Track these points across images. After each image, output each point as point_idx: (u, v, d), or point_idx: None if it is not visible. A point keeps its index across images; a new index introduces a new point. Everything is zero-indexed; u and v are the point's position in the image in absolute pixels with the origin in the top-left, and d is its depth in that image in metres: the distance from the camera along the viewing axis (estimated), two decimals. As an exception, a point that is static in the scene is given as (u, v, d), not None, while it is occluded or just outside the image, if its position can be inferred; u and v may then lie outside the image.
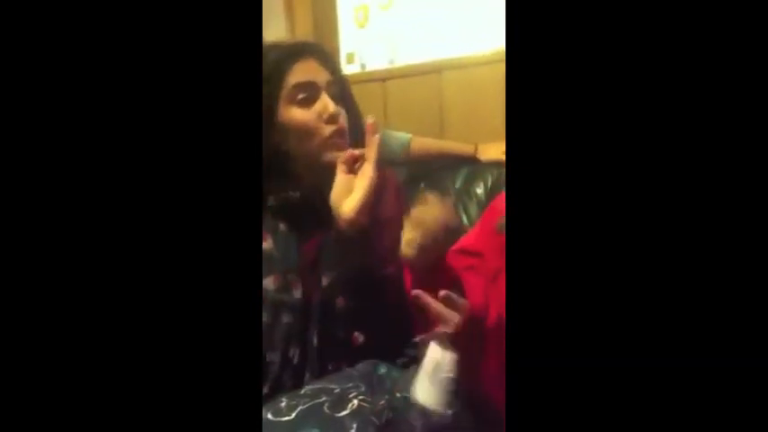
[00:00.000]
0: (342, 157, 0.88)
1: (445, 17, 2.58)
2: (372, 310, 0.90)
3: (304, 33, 2.10)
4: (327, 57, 1.00)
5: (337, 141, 0.94)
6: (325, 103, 0.94)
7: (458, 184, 1.44)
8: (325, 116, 0.94)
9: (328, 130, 0.94)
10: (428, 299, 0.77)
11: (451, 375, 0.75)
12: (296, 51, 0.96)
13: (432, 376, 0.75)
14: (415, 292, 0.77)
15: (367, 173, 0.86)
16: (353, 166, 0.88)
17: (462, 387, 0.76)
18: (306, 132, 0.94)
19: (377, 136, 0.86)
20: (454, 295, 0.77)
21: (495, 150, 1.51)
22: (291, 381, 0.92)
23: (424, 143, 1.60)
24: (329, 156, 0.94)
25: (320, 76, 0.96)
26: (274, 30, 2.06)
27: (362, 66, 2.60)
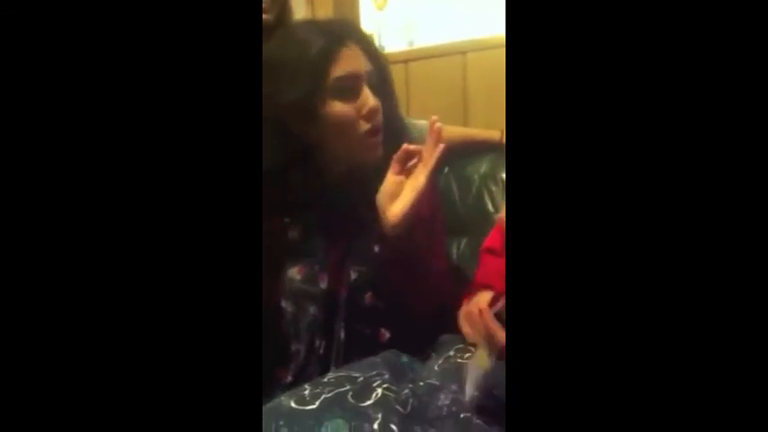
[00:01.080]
0: (397, 155, 0.85)
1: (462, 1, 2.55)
2: (400, 308, 0.89)
3: (324, 15, 2.07)
4: (368, 41, 0.95)
5: (371, 140, 0.91)
6: (366, 97, 0.90)
7: (483, 170, 1.41)
8: (364, 111, 0.90)
9: (365, 127, 0.90)
10: (489, 319, 0.76)
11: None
12: (336, 37, 0.90)
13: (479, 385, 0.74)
14: (483, 307, 0.76)
15: (420, 180, 0.83)
16: (406, 165, 0.85)
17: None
18: (344, 127, 0.90)
19: (441, 146, 0.81)
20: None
21: None
22: (317, 371, 0.91)
23: (447, 131, 1.57)
24: (361, 155, 0.91)
25: (362, 65, 0.91)
26: (295, 11, 2.03)
27: (381, 48, 2.57)
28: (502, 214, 0.95)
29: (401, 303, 0.89)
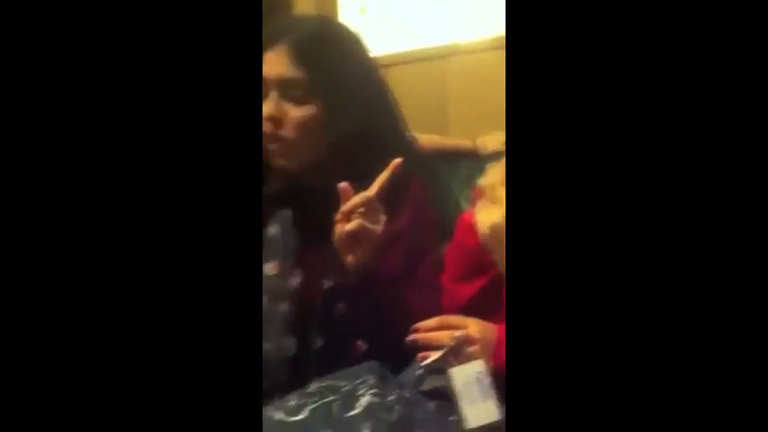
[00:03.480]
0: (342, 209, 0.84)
1: (445, 3, 2.55)
2: (374, 320, 0.89)
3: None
4: (308, 45, 0.92)
5: (271, 146, 0.90)
6: (266, 104, 0.89)
7: (459, 177, 1.42)
8: (265, 116, 0.89)
9: (271, 130, 0.90)
10: (420, 336, 0.79)
11: (488, 379, 0.74)
12: (271, 37, 0.89)
13: (473, 395, 0.74)
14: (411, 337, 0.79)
15: (375, 226, 0.83)
16: (353, 214, 0.84)
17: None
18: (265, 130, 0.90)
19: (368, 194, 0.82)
20: (450, 318, 0.77)
21: (494, 142, 1.49)
22: (288, 375, 0.90)
23: (422, 140, 1.58)
24: (269, 161, 0.90)
25: (278, 70, 0.89)
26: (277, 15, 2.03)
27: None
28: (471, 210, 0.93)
29: (372, 316, 0.88)
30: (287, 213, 0.94)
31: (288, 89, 0.90)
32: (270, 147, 0.90)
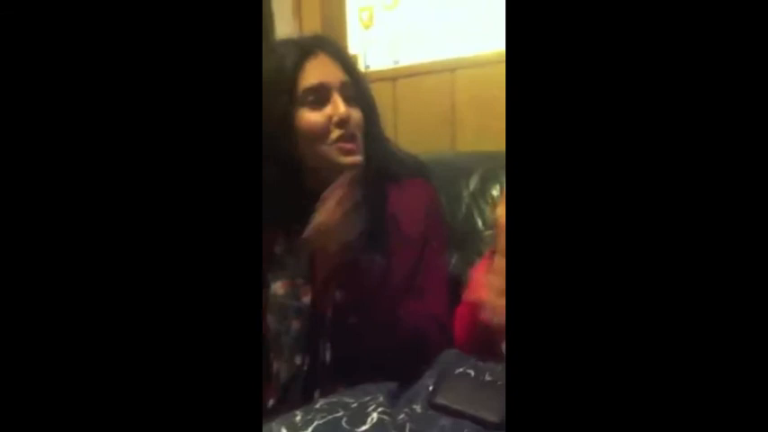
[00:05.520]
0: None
1: (449, 17, 2.56)
2: (385, 331, 0.87)
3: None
4: (340, 53, 0.97)
5: (346, 146, 0.91)
6: (336, 105, 0.91)
7: (472, 187, 1.41)
8: (335, 118, 0.91)
9: (337, 133, 0.91)
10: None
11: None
12: (306, 49, 0.93)
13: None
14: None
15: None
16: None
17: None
18: (316, 135, 0.91)
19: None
20: None
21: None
22: (300, 393, 0.88)
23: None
24: (339, 160, 0.91)
25: (333, 74, 0.93)
26: (283, 31, 2.05)
27: (366, 67, 2.58)
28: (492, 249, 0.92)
29: (383, 326, 0.87)
30: (294, 230, 0.93)
31: (344, 92, 0.93)
32: (346, 146, 0.92)
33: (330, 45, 0.96)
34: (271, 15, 1.87)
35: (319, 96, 0.91)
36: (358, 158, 0.92)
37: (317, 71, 0.92)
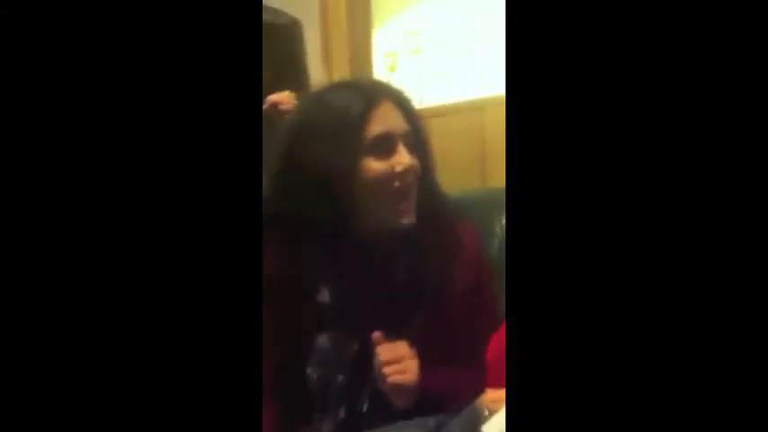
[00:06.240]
0: None
1: (469, 60, 2.61)
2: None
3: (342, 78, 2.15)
4: (404, 101, 0.95)
5: (400, 206, 0.89)
6: (401, 155, 0.88)
7: (504, 221, 1.44)
8: (398, 168, 0.88)
9: (396, 185, 0.88)
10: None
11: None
12: (372, 96, 0.91)
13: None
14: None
15: None
16: None
17: None
18: (378, 185, 0.88)
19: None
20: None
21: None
22: None
23: None
24: (394, 219, 0.92)
25: (398, 123, 0.90)
26: (314, 77, 2.10)
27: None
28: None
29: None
30: (340, 280, 0.91)
31: (407, 141, 0.91)
32: (401, 207, 0.89)
33: (394, 93, 0.94)
34: (305, 64, 1.90)
35: (385, 145, 0.89)
36: (412, 219, 0.89)
37: (384, 119, 0.90)
